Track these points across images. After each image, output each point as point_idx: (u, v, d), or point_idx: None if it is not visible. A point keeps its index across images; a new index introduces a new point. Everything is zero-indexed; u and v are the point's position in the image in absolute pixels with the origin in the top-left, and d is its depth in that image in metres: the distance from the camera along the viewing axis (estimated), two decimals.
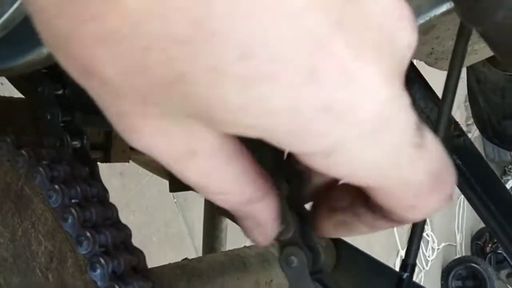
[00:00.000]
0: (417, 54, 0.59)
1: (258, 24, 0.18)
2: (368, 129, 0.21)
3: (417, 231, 0.42)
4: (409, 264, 0.43)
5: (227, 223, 1.10)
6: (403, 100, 0.22)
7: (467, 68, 0.99)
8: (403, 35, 0.22)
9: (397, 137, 0.22)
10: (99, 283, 0.36)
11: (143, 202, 2.08)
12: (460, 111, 4.56)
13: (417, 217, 0.26)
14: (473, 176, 0.70)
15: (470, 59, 0.65)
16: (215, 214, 1.09)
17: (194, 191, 0.28)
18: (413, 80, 0.73)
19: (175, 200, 2.17)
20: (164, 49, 0.19)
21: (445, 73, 0.47)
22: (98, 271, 0.36)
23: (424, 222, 0.42)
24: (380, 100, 0.20)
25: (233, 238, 1.05)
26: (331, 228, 0.31)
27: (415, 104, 0.72)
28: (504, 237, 0.69)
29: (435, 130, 0.43)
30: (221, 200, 0.27)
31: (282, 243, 0.36)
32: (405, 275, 0.43)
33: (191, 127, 0.22)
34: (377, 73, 0.20)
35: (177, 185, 0.99)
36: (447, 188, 0.26)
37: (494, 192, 0.72)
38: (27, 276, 0.38)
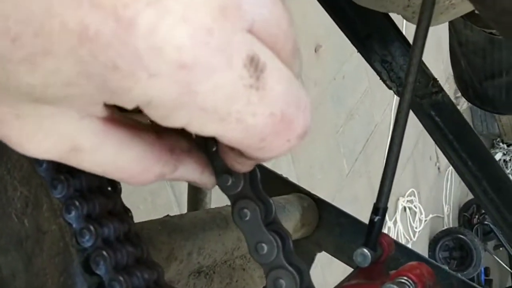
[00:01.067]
0: (393, 7, 0.59)
1: (10, 5, 0.18)
2: (173, 78, 0.20)
3: (388, 173, 0.42)
4: (380, 207, 0.44)
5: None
6: (221, 38, 0.20)
7: (450, 31, 1.00)
8: None
9: (222, 81, 0.21)
10: (74, 225, 0.36)
11: None
12: (449, 84, 4.56)
13: (269, 156, 0.26)
14: (451, 132, 0.71)
15: (448, 14, 0.65)
16: None
17: None
18: (392, 37, 0.73)
19: None
20: None
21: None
22: (73, 213, 0.36)
23: (395, 163, 0.43)
24: (176, 46, 0.20)
25: (219, 202, 1.05)
26: (233, 163, 0.31)
27: (394, 61, 0.72)
28: (479, 190, 0.70)
29: (405, 78, 0.43)
30: (132, 181, 0.27)
31: (233, 197, 0.36)
32: (377, 218, 0.44)
33: (54, 119, 0.23)
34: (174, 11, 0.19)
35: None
36: (295, 128, 0.25)
37: (472, 149, 0.73)
38: (3, 222, 0.38)
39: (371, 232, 0.45)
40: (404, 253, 0.83)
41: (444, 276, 0.81)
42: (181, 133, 0.30)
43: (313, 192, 0.95)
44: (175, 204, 2.00)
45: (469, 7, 0.67)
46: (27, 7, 0.18)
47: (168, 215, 0.72)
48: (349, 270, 0.92)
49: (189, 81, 0.20)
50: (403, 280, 0.42)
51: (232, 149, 0.28)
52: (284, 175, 0.98)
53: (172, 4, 0.19)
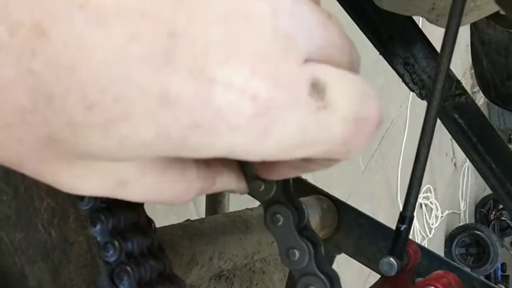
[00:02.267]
0: (418, 10, 0.58)
1: (88, 73, 0.19)
2: (252, 127, 0.21)
3: (414, 183, 0.42)
4: (406, 216, 0.43)
5: None
6: (287, 80, 0.21)
7: (471, 30, 0.98)
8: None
9: (293, 117, 0.22)
10: (98, 238, 0.36)
11: None
12: (466, 79, 4.53)
13: (357, 153, 0.27)
14: (474, 135, 0.70)
15: (473, 15, 0.64)
16: None
17: None
18: (414, 39, 0.72)
19: None
20: (18, 120, 0.20)
21: None
22: (98, 226, 0.36)
23: (422, 173, 0.42)
24: (251, 97, 0.20)
25: (236, 203, 1.05)
26: (287, 170, 0.31)
27: (417, 63, 0.71)
28: (503, 193, 0.69)
29: (432, 85, 0.43)
30: (175, 202, 0.27)
31: (265, 203, 0.36)
32: (403, 227, 0.43)
33: (105, 163, 0.23)
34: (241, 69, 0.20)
35: None
36: (371, 121, 0.25)
37: (496, 151, 0.72)
38: (29, 232, 0.38)
39: (398, 240, 0.44)
40: (423, 254, 0.82)
41: (465, 278, 0.81)
42: None
43: (329, 190, 0.95)
44: (192, 203, 2.00)
45: (493, 8, 0.66)
46: (105, 75, 0.19)
47: (188, 220, 0.72)
48: (366, 270, 0.92)
49: (263, 126, 0.21)
50: None
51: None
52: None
53: (241, 61, 0.20)
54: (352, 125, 0.24)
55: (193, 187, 0.28)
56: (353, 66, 0.26)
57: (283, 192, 0.36)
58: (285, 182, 0.36)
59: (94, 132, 0.20)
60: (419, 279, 0.46)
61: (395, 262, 0.44)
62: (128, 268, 0.34)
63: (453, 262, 0.88)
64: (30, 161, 0.22)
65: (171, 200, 0.27)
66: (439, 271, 0.45)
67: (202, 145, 0.21)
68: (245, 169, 0.33)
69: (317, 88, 0.22)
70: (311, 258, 0.36)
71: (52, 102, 0.19)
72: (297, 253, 0.36)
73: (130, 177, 0.24)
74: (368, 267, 0.90)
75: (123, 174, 0.24)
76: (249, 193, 0.35)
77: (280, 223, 0.36)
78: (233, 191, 0.33)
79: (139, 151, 0.21)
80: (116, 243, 0.34)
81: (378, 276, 0.89)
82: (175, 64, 0.19)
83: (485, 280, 0.82)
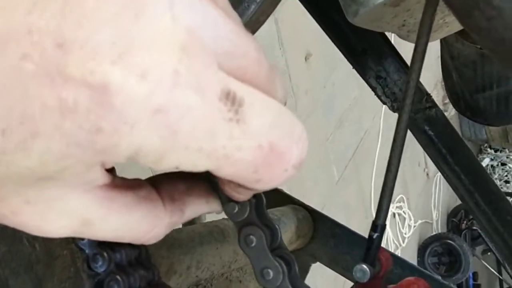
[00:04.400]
0: (389, 27, 0.60)
1: None
2: (154, 123, 0.21)
3: (386, 191, 0.43)
4: (379, 224, 0.45)
5: None
6: (189, 76, 0.21)
7: (442, 44, 1.01)
8: None
9: (199, 117, 0.22)
10: (87, 251, 0.36)
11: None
12: (437, 90, 4.60)
13: (268, 187, 0.26)
14: (444, 146, 0.72)
15: (442, 32, 0.67)
16: None
17: None
18: (386, 53, 0.74)
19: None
20: None
21: None
22: (86, 239, 0.36)
23: (393, 182, 0.44)
24: (148, 93, 0.20)
25: (213, 213, 1.06)
26: (234, 194, 0.31)
27: (389, 77, 0.74)
28: (472, 203, 0.71)
29: (402, 99, 0.44)
30: (148, 239, 0.28)
31: (239, 224, 0.37)
32: (375, 235, 0.45)
33: (61, 199, 0.23)
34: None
35: None
36: (289, 159, 0.25)
37: (465, 162, 0.74)
38: (14, 245, 0.38)
39: (370, 248, 0.46)
40: (396, 262, 0.84)
41: (437, 286, 0.82)
42: (176, 175, 0.31)
43: (303, 199, 0.96)
44: None
45: (461, 25, 0.69)
46: (6, 97, 0.19)
47: None
48: (341, 278, 0.93)
49: (167, 123, 0.21)
50: None
51: (230, 181, 0.29)
52: None
53: (135, 56, 0.20)
54: (266, 154, 0.24)
55: (162, 223, 0.28)
56: (273, 91, 0.25)
57: (256, 213, 0.37)
58: (259, 203, 0.37)
59: (15, 155, 0.21)
60: (391, 286, 0.47)
61: (368, 269, 0.45)
62: (118, 277, 0.34)
63: (425, 271, 0.90)
64: None
65: (143, 238, 0.27)
66: (410, 278, 0.47)
67: (108, 147, 0.21)
68: (219, 191, 0.34)
69: (230, 98, 0.22)
70: (285, 277, 0.36)
71: None
72: (271, 272, 0.36)
73: (94, 216, 0.25)
74: (343, 275, 0.91)
75: (86, 213, 0.24)
76: (225, 215, 0.36)
77: (253, 244, 0.36)
78: (206, 213, 0.34)
79: (62, 163, 0.21)
80: (105, 254, 0.35)
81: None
82: (68, 72, 0.20)
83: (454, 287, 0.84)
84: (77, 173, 0.22)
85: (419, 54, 0.44)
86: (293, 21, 2.56)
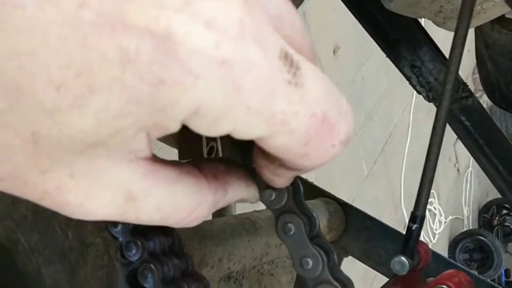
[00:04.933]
0: (425, 13, 0.58)
1: (47, 53, 0.18)
2: (219, 77, 0.20)
3: (425, 181, 0.42)
4: (418, 215, 0.43)
5: None
6: (253, 29, 0.20)
7: (476, 33, 0.99)
8: None
9: (262, 74, 0.21)
10: (120, 239, 0.36)
11: None
12: (468, 82, 4.53)
13: (314, 165, 0.25)
14: (481, 137, 0.70)
15: (479, 18, 0.65)
16: None
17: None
18: (421, 42, 0.73)
19: None
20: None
21: None
22: (119, 226, 0.36)
23: (433, 172, 0.43)
24: (214, 44, 0.19)
25: (242, 206, 1.05)
26: (273, 177, 0.30)
27: (423, 66, 0.72)
28: (511, 195, 0.69)
29: (443, 85, 0.43)
30: (191, 219, 0.26)
31: (276, 211, 0.36)
32: (414, 226, 0.43)
33: (107, 171, 0.22)
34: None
35: (187, 153, 1.00)
36: (338, 132, 0.24)
37: (503, 153, 0.72)
38: (47, 234, 0.38)
39: (409, 240, 0.44)
40: (432, 257, 0.82)
41: (473, 280, 0.80)
42: (216, 159, 0.30)
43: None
44: None
45: (499, 12, 0.67)
46: (64, 49, 0.18)
47: None
48: (371, 274, 0.92)
49: (232, 77, 0.20)
50: None
51: (272, 161, 0.28)
52: (304, 177, 0.97)
53: (200, 4, 0.19)
54: (319, 124, 0.23)
55: (206, 199, 0.27)
56: (317, 65, 0.25)
57: (294, 201, 0.36)
58: (296, 190, 0.36)
59: (70, 114, 0.19)
60: (430, 279, 0.46)
61: (406, 261, 0.44)
62: (152, 265, 0.34)
63: (460, 265, 0.88)
64: (29, 173, 0.21)
65: (188, 218, 0.26)
66: (450, 271, 0.45)
67: (169, 103, 0.20)
68: (257, 178, 0.33)
69: (289, 60, 0.21)
70: (325, 266, 0.36)
71: (22, 92, 0.19)
72: (310, 261, 0.36)
73: (138, 189, 0.23)
74: (376, 269, 0.90)
75: (131, 187, 0.23)
76: (262, 202, 0.35)
77: (292, 232, 0.36)
78: (245, 201, 0.33)
79: (118, 123, 0.20)
80: (139, 242, 0.35)
81: (383, 280, 0.88)
82: (129, 20, 0.19)
83: (492, 283, 0.82)
84: (126, 138, 0.21)
85: (460, 39, 0.43)
86: (321, 14, 2.54)
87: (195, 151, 0.62)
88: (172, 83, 0.20)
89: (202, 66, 0.20)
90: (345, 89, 2.90)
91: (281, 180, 0.30)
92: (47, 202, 0.23)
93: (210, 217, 1.14)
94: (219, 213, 1.06)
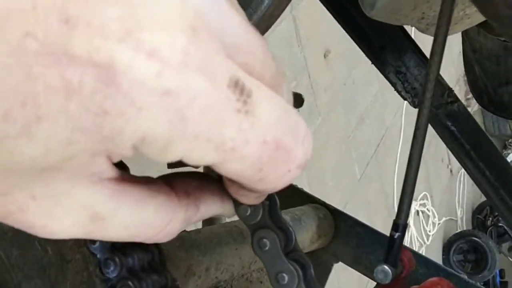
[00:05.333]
0: (407, 20, 0.58)
1: None
2: (163, 108, 0.20)
3: (407, 189, 0.42)
4: (400, 224, 0.43)
5: None
6: (198, 57, 0.20)
7: (463, 38, 0.99)
8: None
9: (209, 103, 0.20)
10: (98, 255, 0.36)
11: None
12: (459, 86, 4.54)
13: (271, 188, 0.25)
14: (467, 142, 0.71)
15: (463, 24, 0.65)
16: None
17: (192, 167, 0.28)
18: (406, 48, 0.73)
19: None
20: None
21: None
22: (97, 243, 0.36)
23: (415, 180, 0.43)
24: (156, 74, 0.19)
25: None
26: (237, 195, 0.30)
27: (408, 72, 0.72)
28: (497, 199, 0.69)
29: (422, 93, 0.43)
30: (162, 236, 0.26)
31: (252, 227, 0.36)
32: (397, 234, 0.43)
33: (71, 192, 0.22)
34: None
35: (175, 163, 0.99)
36: (294, 158, 0.24)
37: (489, 158, 0.73)
38: (26, 249, 0.38)
39: (392, 248, 0.44)
40: (420, 261, 0.82)
41: (463, 285, 0.81)
42: (188, 175, 0.30)
43: (325, 198, 0.95)
44: None
45: (483, 17, 0.67)
46: (9, 78, 0.18)
47: (184, 231, 0.72)
48: (365, 277, 0.92)
49: (176, 107, 0.20)
50: None
51: (233, 183, 0.28)
52: (296, 182, 0.97)
53: (143, 34, 0.19)
54: (272, 151, 0.23)
55: (177, 217, 0.27)
56: (280, 94, 0.25)
57: (270, 215, 0.36)
58: (272, 205, 0.36)
59: (18, 142, 0.19)
60: (414, 287, 0.46)
61: (389, 270, 0.44)
62: (130, 283, 0.34)
63: (450, 269, 0.88)
64: None
65: (156, 235, 0.26)
66: (434, 278, 0.45)
67: (114, 132, 0.20)
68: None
69: (239, 87, 0.21)
70: (300, 281, 0.35)
71: None
72: (286, 277, 0.35)
73: (104, 210, 0.23)
74: (366, 275, 0.90)
75: (95, 207, 0.23)
76: (238, 217, 0.35)
77: (267, 248, 0.35)
78: (220, 216, 0.33)
79: (67, 150, 0.20)
80: (117, 259, 0.34)
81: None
82: (73, 50, 0.18)
83: (483, 287, 0.82)
84: (82, 163, 0.21)
85: (439, 45, 0.43)
86: (311, 18, 2.55)
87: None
88: (115, 113, 0.19)
89: (145, 96, 0.19)
90: (336, 93, 2.91)
91: (245, 199, 0.30)
92: (11, 222, 0.23)
93: (200, 226, 1.14)
94: (209, 222, 1.06)
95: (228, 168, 0.23)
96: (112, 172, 0.23)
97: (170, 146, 0.21)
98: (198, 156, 0.22)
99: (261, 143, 0.23)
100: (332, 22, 0.76)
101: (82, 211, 0.23)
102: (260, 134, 0.22)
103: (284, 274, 0.35)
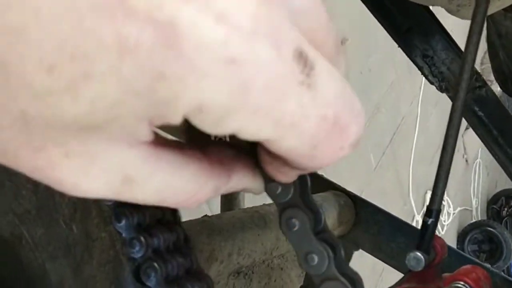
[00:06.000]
0: (438, 1, 0.57)
1: (38, 32, 0.17)
2: (225, 76, 0.18)
3: (441, 175, 0.41)
4: (434, 209, 0.42)
5: None
6: (268, 25, 0.19)
7: (488, 22, 0.97)
8: None
9: (273, 75, 0.19)
10: (124, 234, 0.35)
11: None
12: (481, 71, 4.49)
13: (318, 166, 0.24)
14: (495, 127, 0.69)
15: (493, 6, 0.63)
16: None
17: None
18: (433, 31, 0.71)
19: None
20: None
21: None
22: (123, 222, 0.35)
23: (449, 165, 0.41)
24: (222, 40, 0.18)
25: (251, 200, 1.04)
26: (276, 172, 0.29)
27: (436, 55, 0.70)
28: None
29: (457, 81, 0.41)
30: (191, 202, 0.25)
31: (281, 205, 0.35)
32: (430, 220, 0.42)
33: (106, 151, 0.21)
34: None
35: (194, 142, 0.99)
36: (349, 135, 0.23)
37: None
38: (50, 228, 0.37)
39: (425, 234, 0.43)
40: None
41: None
42: (224, 143, 0.29)
43: None
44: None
45: None
46: (58, 29, 0.17)
47: (206, 215, 0.71)
48: (379, 266, 0.91)
49: (240, 78, 0.19)
50: (459, 285, 0.41)
51: (275, 159, 0.27)
52: None
53: None
54: (330, 127, 0.22)
55: (208, 184, 0.26)
56: (338, 64, 0.24)
57: (300, 195, 0.35)
58: (303, 185, 0.35)
59: (62, 98, 0.18)
60: (446, 274, 0.45)
61: (422, 257, 0.43)
62: (155, 264, 0.33)
63: (472, 257, 0.87)
64: (20, 149, 0.20)
65: (187, 201, 0.25)
66: (467, 266, 0.44)
67: (169, 98, 0.19)
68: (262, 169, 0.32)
69: (303, 59, 0.20)
70: (331, 262, 0.34)
71: (9, 70, 0.17)
72: (316, 257, 0.34)
73: (137, 174, 0.22)
74: (387, 263, 0.89)
75: (130, 170, 0.22)
76: (267, 194, 0.34)
77: (296, 228, 0.34)
78: (249, 191, 0.32)
79: (114, 111, 0.19)
80: (142, 239, 0.33)
81: (392, 272, 0.87)
82: (131, 5, 0.17)
83: (506, 276, 0.81)
84: (125, 126, 0.20)
85: (477, 25, 0.41)
86: (328, 6, 2.52)
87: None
88: (173, 78, 0.18)
89: (208, 63, 0.18)
90: (352, 81, 2.88)
91: (284, 177, 0.29)
92: (37, 176, 0.21)
93: (219, 211, 1.13)
94: (228, 207, 1.05)
95: (284, 144, 0.22)
96: (150, 136, 0.22)
97: (226, 118, 0.20)
98: (253, 131, 0.21)
99: (320, 118, 0.21)
100: (350, 10, 0.75)
101: (115, 172, 0.22)
102: (321, 108, 0.21)
103: (314, 255, 0.34)
